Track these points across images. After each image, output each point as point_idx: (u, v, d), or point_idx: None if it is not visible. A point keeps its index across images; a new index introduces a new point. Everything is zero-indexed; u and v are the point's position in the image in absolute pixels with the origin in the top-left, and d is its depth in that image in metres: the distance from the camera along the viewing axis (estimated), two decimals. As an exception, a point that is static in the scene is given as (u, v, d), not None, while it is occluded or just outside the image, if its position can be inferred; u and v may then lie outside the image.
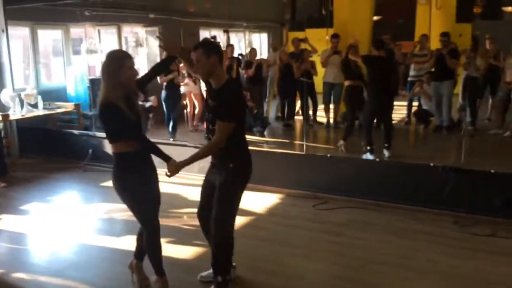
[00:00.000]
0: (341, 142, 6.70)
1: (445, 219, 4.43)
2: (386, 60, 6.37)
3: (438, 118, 8.03)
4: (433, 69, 7.95)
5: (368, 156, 6.06)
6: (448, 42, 7.58)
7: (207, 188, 3.22)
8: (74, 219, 4.85)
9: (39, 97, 7.21)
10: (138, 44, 8.81)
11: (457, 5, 10.20)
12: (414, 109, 8.56)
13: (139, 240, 3.34)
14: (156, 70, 3.38)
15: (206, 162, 5.40)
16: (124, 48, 9.40)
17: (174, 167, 2.99)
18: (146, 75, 3.26)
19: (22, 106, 6.96)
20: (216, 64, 2.91)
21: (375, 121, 6.81)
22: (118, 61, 2.88)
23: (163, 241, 4.13)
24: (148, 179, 3.13)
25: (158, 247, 3.22)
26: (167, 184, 5.77)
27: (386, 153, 6.16)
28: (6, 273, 3.67)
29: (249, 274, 3.52)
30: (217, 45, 3.10)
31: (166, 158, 3.03)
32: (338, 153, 6.50)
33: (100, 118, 3.03)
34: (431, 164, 4.72)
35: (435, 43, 8.20)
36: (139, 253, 3.38)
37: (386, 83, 6.23)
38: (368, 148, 6.20)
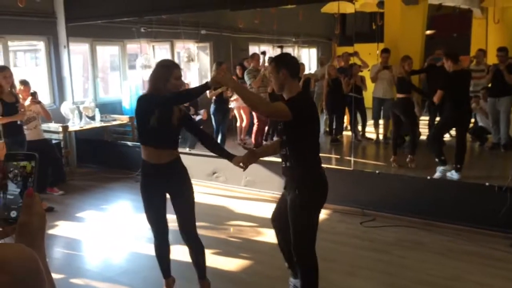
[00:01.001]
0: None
1: (500, 241, 4.24)
2: (465, 73, 6.25)
3: (495, 136, 7.71)
4: (490, 85, 7.67)
5: (450, 171, 5.87)
6: (506, 57, 7.30)
7: (282, 200, 3.14)
8: (126, 228, 5.03)
9: (97, 109, 7.57)
10: (190, 59, 9.07)
11: (515, 19, 9.82)
12: (469, 126, 8.26)
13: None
14: (183, 98, 3.29)
15: (254, 176, 5.47)
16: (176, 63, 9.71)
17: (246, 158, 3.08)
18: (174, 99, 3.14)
19: (80, 118, 7.33)
20: (286, 78, 2.87)
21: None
22: (167, 69, 3.00)
23: (209, 252, 4.24)
24: (155, 194, 3.19)
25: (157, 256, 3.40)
26: (213, 197, 5.92)
27: (455, 175, 5.85)
28: (61, 277, 3.86)
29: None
30: (287, 58, 3.02)
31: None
32: (389, 169, 6.38)
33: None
34: (486, 184, 4.54)
35: (492, 58, 7.91)
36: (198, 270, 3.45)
37: (467, 97, 6.21)
38: (443, 158, 5.98)
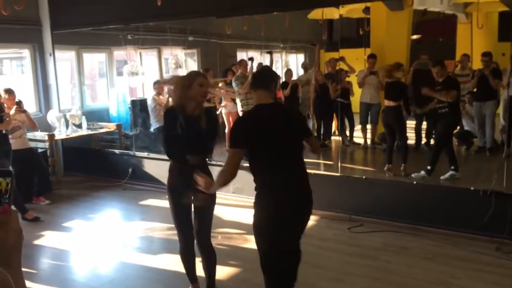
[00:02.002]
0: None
1: (486, 245, 4.28)
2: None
3: (481, 140, 7.79)
4: (475, 89, 7.76)
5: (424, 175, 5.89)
6: (490, 61, 7.41)
7: None
8: (114, 237, 4.99)
9: (83, 117, 7.52)
10: (178, 65, 9.06)
11: (499, 24, 9.96)
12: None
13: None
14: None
15: (242, 183, 5.43)
16: (164, 70, 9.70)
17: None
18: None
19: (67, 126, 7.28)
20: (251, 89, 2.99)
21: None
22: (191, 76, 3.15)
23: (196, 260, 4.22)
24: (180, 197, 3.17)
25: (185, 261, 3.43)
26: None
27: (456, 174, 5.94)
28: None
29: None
30: (256, 73, 3.21)
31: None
32: (377, 174, 6.41)
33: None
34: (472, 188, 4.59)
35: (477, 63, 8.01)
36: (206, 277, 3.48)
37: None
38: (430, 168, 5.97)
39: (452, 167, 5.98)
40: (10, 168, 5.53)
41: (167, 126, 3.15)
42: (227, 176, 2.76)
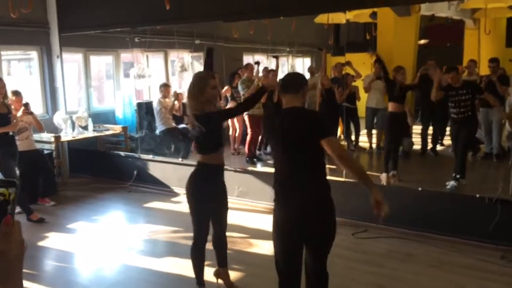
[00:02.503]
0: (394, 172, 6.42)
1: (491, 253, 4.25)
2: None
3: (488, 146, 7.76)
4: (482, 96, 7.71)
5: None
6: (497, 67, 7.38)
7: None
8: (118, 239, 5.00)
9: (90, 119, 7.55)
10: (184, 68, 9.09)
11: (507, 30, 9.92)
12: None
13: (215, 248, 3.65)
14: (248, 105, 3.76)
15: (247, 186, 5.44)
16: (170, 72, 9.73)
17: None
18: (237, 109, 3.95)
19: (73, 128, 7.31)
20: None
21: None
22: (204, 80, 3.25)
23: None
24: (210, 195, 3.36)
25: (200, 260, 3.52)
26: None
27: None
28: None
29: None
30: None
31: None
32: (378, 181, 6.39)
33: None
34: (477, 195, 4.55)
35: (484, 68, 7.98)
36: (219, 260, 3.65)
37: None
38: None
39: (458, 176, 5.95)
40: (17, 170, 5.57)
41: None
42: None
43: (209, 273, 3.97)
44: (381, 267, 4.11)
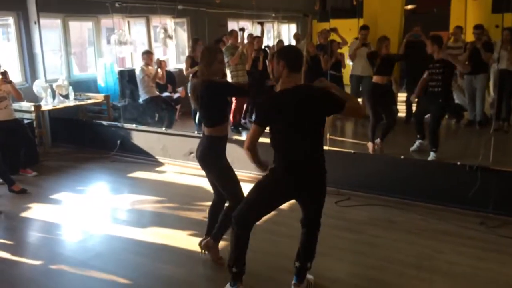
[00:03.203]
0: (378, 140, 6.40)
1: (471, 220, 4.33)
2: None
3: (471, 113, 7.82)
4: (466, 62, 7.70)
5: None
6: (482, 34, 7.34)
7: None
8: (102, 210, 4.98)
9: (70, 88, 7.39)
10: (167, 35, 8.88)
11: (493, -5, 9.82)
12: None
13: (211, 218, 3.74)
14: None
15: (232, 157, 5.40)
16: (153, 39, 9.51)
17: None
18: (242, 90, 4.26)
19: (54, 96, 7.16)
20: (284, 70, 2.92)
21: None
22: (213, 54, 3.40)
23: (184, 233, 4.25)
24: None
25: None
26: (190, 177, 5.89)
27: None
28: (34, 261, 3.82)
29: (267, 271, 3.54)
30: (287, 50, 3.16)
31: None
32: (365, 148, 6.42)
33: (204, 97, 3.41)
34: (458, 163, 4.60)
35: (470, 35, 7.93)
36: (214, 234, 3.64)
37: None
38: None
39: (421, 140, 6.05)
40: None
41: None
42: (247, 152, 3.01)
43: (194, 243, 4.00)
44: (361, 234, 4.18)
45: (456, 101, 8.08)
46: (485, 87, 7.66)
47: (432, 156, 5.89)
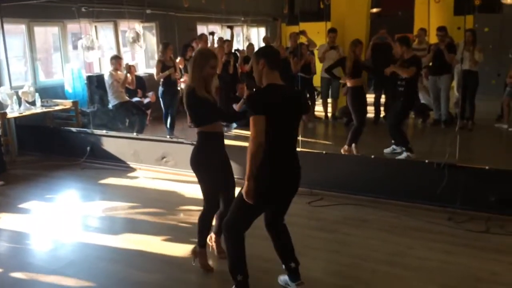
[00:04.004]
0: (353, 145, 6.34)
1: (440, 216, 4.46)
2: (419, 59, 6.21)
3: (436, 112, 8.04)
4: (430, 64, 7.94)
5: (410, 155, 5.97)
6: (445, 36, 7.58)
7: None
8: (73, 218, 4.89)
9: (37, 94, 7.23)
10: (135, 40, 8.79)
11: (455, -2, 10.17)
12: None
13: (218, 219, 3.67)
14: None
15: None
16: (121, 44, 9.40)
17: None
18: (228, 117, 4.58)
19: (19, 103, 6.98)
20: (264, 68, 2.92)
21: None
22: (205, 58, 3.32)
23: (158, 238, 4.22)
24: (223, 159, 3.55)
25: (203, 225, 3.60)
26: (163, 182, 5.85)
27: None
28: (3, 272, 3.72)
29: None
30: (267, 50, 3.15)
31: None
32: (336, 148, 6.51)
33: (186, 103, 3.38)
34: (426, 161, 4.74)
35: (434, 37, 8.18)
36: (218, 228, 3.64)
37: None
38: (409, 147, 6.05)
39: (408, 147, 6.09)
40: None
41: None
42: (257, 146, 2.77)
43: (168, 248, 3.98)
44: (334, 233, 4.24)
45: (422, 101, 8.30)
46: (449, 87, 7.91)
47: (404, 155, 6.03)
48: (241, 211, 2.99)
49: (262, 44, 10.52)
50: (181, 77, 8.26)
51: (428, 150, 6.42)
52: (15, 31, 7.92)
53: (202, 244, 3.59)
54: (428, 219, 4.41)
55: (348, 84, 6.38)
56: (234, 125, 8.36)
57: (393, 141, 6.39)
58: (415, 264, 3.62)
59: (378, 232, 4.23)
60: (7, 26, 7.14)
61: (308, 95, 8.73)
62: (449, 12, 10.03)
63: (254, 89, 3.02)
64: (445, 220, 4.37)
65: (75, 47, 8.68)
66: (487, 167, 4.47)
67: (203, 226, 3.57)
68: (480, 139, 7.22)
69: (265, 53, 3.00)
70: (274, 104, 2.84)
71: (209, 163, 3.41)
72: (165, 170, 6.15)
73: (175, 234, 4.34)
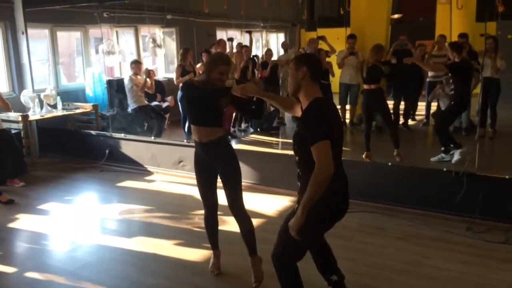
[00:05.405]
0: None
1: (458, 225, 4.38)
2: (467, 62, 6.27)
3: (457, 120, 7.90)
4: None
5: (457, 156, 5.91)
6: (467, 43, 7.46)
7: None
8: (91, 220, 4.95)
9: (58, 97, 7.36)
10: (156, 45, 8.90)
11: (477, 4, 10.01)
12: (432, 109, 8.45)
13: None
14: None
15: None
16: (141, 48, 9.53)
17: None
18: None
19: (41, 106, 7.12)
20: (304, 78, 2.56)
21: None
22: (214, 62, 3.30)
23: (172, 242, 4.24)
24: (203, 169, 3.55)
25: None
26: (179, 185, 5.88)
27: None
28: (20, 271, 3.78)
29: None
30: (310, 58, 2.80)
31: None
32: (354, 155, 6.46)
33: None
34: (444, 169, 4.66)
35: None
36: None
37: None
38: (457, 142, 6.05)
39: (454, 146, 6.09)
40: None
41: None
42: (326, 176, 2.39)
43: (183, 252, 3.98)
44: (350, 241, 4.20)
45: (442, 108, 8.17)
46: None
47: (456, 157, 5.91)
48: (296, 244, 2.65)
49: (281, 50, 10.52)
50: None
51: (447, 158, 6.29)
52: (39, 35, 8.10)
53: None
54: (446, 229, 4.33)
55: (370, 87, 6.36)
56: (251, 129, 8.38)
57: (442, 149, 6.28)
58: (431, 275, 3.55)
59: (395, 240, 4.17)
60: (30, 31, 7.30)
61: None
62: (471, 18, 9.88)
63: (308, 107, 2.55)
64: (464, 230, 4.29)
65: (97, 52, 8.83)
66: (507, 177, 4.37)
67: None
68: (501, 147, 7.07)
69: (309, 61, 2.64)
70: (334, 123, 2.56)
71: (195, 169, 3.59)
72: (182, 174, 6.19)
73: (190, 238, 4.35)
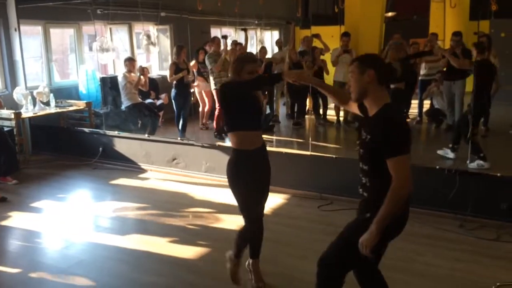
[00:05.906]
0: None
1: (450, 222, 4.41)
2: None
3: (450, 118, 7.94)
4: (445, 69, 7.85)
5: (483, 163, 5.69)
6: (460, 41, 7.49)
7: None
8: (84, 217, 4.94)
9: (51, 95, 7.32)
10: (150, 42, 8.87)
11: (470, 3, 10.06)
12: (425, 107, 8.50)
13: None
14: (260, 85, 3.35)
15: (214, 161, 5.40)
16: (135, 46, 9.49)
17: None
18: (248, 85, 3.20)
19: (34, 104, 7.08)
20: (372, 82, 2.32)
21: None
22: (240, 64, 3.17)
23: (166, 240, 4.24)
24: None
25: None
26: (173, 183, 5.88)
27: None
28: (13, 270, 3.77)
29: (249, 274, 3.55)
30: (377, 59, 2.46)
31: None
32: (347, 153, 6.48)
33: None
34: (437, 167, 4.69)
35: (449, 42, 8.08)
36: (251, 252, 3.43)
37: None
38: (482, 155, 5.72)
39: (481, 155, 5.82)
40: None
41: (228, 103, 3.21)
42: (406, 193, 2.29)
43: (177, 250, 3.98)
44: (344, 239, 4.20)
45: (436, 106, 8.23)
46: (464, 92, 7.80)
47: (475, 163, 5.56)
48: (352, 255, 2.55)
49: (276, 48, 10.52)
50: (194, 81, 8.32)
51: (440, 156, 6.33)
52: (32, 32, 8.04)
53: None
54: (439, 226, 4.36)
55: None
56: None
57: (450, 146, 6.20)
58: (424, 271, 3.58)
59: (388, 238, 4.19)
60: (23, 27, 7.24)
61: (320, 99, 8.71)
62: (465, 17, 9.92)
63: (383, 115, 2.33)
64: (456, 227, 4.32)
65: (90, 49, 8.79)
66: (499, 174, 4.41)
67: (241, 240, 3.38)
68: (494, 145, 7.10)
69: (375, 62, 2.37)
70: (410, 134, 2.35)
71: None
72: (175, 171, 6.18)
73: (184, 236, 4.35)
